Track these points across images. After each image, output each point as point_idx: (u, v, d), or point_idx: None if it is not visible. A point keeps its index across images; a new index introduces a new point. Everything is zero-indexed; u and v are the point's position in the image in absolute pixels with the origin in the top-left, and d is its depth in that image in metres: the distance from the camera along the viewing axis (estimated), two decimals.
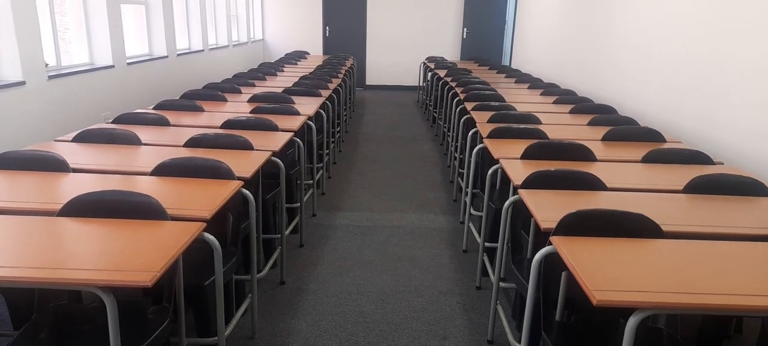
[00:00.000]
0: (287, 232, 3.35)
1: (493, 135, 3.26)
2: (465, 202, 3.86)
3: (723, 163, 2.75)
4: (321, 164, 4.55)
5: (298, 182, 3.56)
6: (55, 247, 1.58)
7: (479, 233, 3.34)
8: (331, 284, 2.93)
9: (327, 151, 4.79)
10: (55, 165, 2.33)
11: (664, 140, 3.23)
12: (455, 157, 4.72)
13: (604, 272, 1.49)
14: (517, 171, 2.52)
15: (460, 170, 4.38)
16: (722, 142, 3.16)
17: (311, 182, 4.11)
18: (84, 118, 4.51)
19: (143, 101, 5.63)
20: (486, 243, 2.89)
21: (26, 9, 3.80)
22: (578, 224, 1.81)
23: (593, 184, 2.31)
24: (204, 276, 2.09)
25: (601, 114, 3.99)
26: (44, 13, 4.29)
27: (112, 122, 3.31)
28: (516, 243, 2.46)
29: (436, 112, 7.18)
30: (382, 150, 5.97)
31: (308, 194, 4.11)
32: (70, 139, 2.85)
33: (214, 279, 2.07)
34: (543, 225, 1.87)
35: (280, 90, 4.96)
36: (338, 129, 5.83)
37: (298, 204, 3.49)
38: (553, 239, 1.73)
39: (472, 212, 3.53)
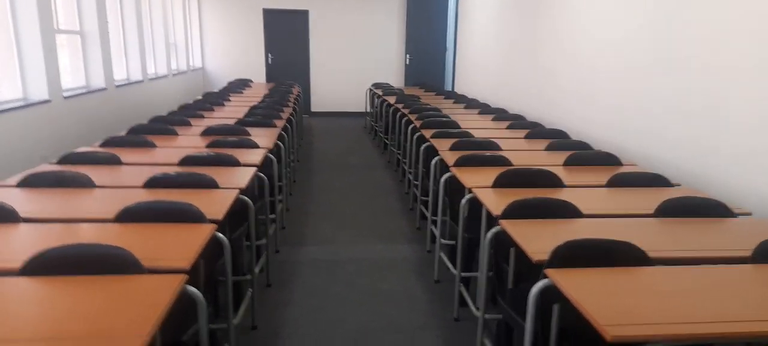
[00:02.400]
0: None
1: (458, 163, 3.28)
2: (431, 230, 3.86)
3: (680, 185, 2.90)
4: (280, 197, 4.42)
5: (262, 217, 3.43)
6: (23, 313, 1.41)
7: (451, 263, 3.34)
8: (304, 326, 2.81)
9: (284, 182, 4.67)
10: (3, 215, 2.12)
11: (620, 164, 3.37)
12: (416, 185, 4.72)
13: (609, 304, 1.51)
14: (493, 201, 2.53)
15: (422, 198, 4.38)
16: (670, 162, 3.33)
17: (273, 216, 3.98)
18: (19, 160, 4.16)
19: (82, 138, 5.28)
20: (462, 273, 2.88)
21: None
22: (569, 255, 1.83)
23: (569, 211, 2.35)
24: (180, 330, 1.94)
25: (555, 139, 4.12)
26: None
27: (57, 163, 3.07)
28: (498, 273, 2.46)
29: (387, 139, 7.20)
30: (337, 179, 5.89)
31: (271, 229, 3.97)
32: (14, 184, 2.61)
33: (193, 333, 1.93)
34: (535, 257, 1.87)
35: (231, 121, 4.80)
36: (292, 159, 5.71)
37: (265, 241, 3.35)
38: (548, 272, 1.73)
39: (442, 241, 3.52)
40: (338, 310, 2.98)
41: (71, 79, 5.70)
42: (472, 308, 2.82)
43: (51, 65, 4.68)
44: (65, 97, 4.97)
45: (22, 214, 2.14)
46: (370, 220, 4.55)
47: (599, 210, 2.41)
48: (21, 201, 2.36)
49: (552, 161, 3.44)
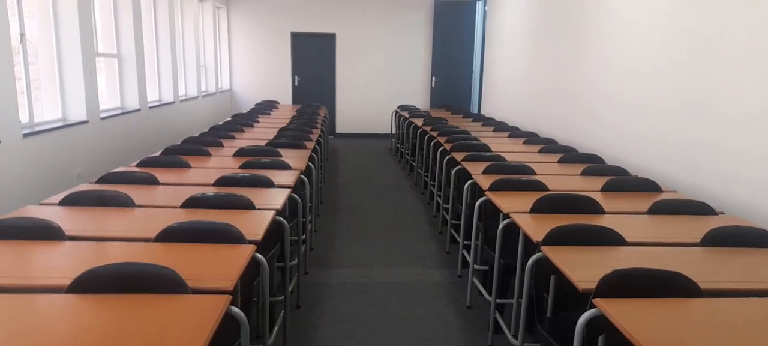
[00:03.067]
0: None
1: (493, 188, 3.25)
2: (463, 255, 3.81)
3: (724, 213, 2.81)
4: (309, 218, 4.43)
5: (293, 238, 3.43)
6: (72, 330, 1.42)
7: (485, 289, 3.29)
8: None
9: (313, 203, 4.68)
10: (49, 233, 2.15)
11: (660, 190, 3.29)
12: (445, 209, 4.68)
13: (662, 337, 1.46)
14: (531, 226, 2.49)
15: (453, 222, 4.34)
16: (709, 190, 3.25)
17: (303, 237, 3.98)
18: (57, 178, 4.27)
19: (116, 157, 5.39)
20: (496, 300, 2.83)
21: (2, 63, 3.61)
22: (617, 284, 1.78)
23: (612, 239, 2.30)
24: None
25: (590, 163, 4.05)
26: (17, 68, 4.09)
27: (96, 182, 3.13)
28: (535, 300, 2.41)
29: (413, 161, 7.19)
30: (364, 201, 5.89)
31: (301, 250, 3.97)
32: (57, 202, 2.66)
33: None
34: (580, 286, 1.83)
35: (262, 142, 4.85)
36: (320, 180, 5.74)
37: (295, 262, 3.35)
38: (596, 301, 1.69)
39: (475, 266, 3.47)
40: (370, 334, 2.95)
41: (107, 100, 5.85)
42: (508, 335, 2.76)
43: (90, 87, 4.81)
44: (102, 118, 5.10)
45: (67, 232, 2.18)
46: (399, 243, 4.52)
47: (643, 238, 2.35)
48: (64, 219, 2.40)
49: (589, 187, 3.38)
